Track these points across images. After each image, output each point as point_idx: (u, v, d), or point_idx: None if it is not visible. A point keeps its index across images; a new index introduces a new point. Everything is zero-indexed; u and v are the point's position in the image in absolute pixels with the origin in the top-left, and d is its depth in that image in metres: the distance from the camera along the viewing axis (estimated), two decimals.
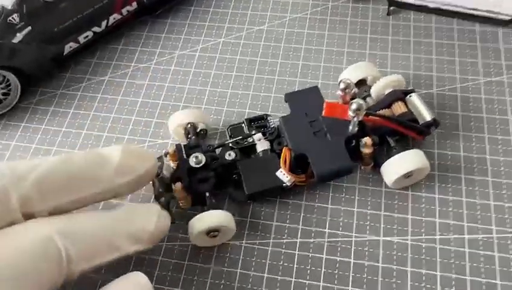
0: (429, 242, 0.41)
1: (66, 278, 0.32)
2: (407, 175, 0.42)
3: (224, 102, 0.52)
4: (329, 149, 0.42)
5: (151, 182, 0.42)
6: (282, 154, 0.42)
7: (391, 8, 0.56)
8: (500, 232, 0.41)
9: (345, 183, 0.45)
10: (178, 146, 0.43)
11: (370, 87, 0.46)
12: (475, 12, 0.53)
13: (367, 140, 0.42)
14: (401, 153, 0.41)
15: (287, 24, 0.58)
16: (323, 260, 0.41)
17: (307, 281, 0.40)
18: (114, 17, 0.55)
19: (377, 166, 0.44)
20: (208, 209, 0.40)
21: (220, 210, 0.40)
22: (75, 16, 0.52)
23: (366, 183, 0.45)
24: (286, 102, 0.46)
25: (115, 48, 0.58)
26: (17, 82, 0.51)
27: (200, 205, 0.42)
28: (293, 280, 0.40)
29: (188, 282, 0.41)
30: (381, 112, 0.44)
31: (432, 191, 0.44)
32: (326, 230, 0.42)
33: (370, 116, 0.42)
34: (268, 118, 0.46)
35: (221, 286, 0.40)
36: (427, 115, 0.43)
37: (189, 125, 0.46)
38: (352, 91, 0.42)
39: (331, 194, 0.45)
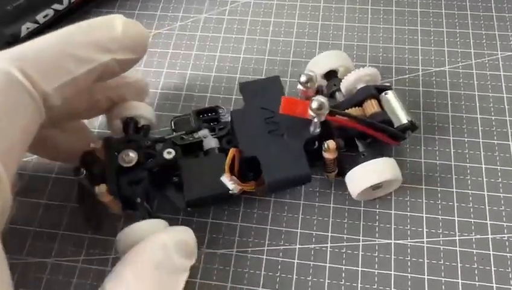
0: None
1: (44, 108, 0.29)
2: (375, 187, 0.36)
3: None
4: (285, 153, 0.35)
5: None
6: (229, 155, 0.35)
7: None
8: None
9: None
10: (107, 140, 0.37)
11: (340, 80, 0.39)
12: None
13: (330, 143, 0.35)
14: (369, 162, 0.35)
15: None
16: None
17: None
18: None
19: (341, 174, 0.38)
20: (140, 219, 0.34)
21: (155, 219, 0.34)
22: None
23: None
24: (240, 92, 0.39)
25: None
26: None
27: (131, 210, 0.36)
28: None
29: None
30: (351, 110, 0.37)
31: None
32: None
33: (336, 116, 0.35)
34: (220, 111, 0.40)
35: None
36: (403, 117, 0.37)
37: (128, 120, 0.39)
38: (316, 85, 0.36)
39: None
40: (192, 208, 0.38)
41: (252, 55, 0.47)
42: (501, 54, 0.45)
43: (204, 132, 0.38)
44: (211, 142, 0.38)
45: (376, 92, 0.38)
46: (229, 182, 0.34)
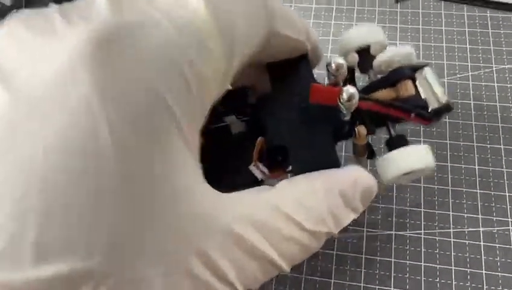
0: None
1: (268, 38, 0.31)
2: (407, 173, 0.35)
3: None
4: (313, 140, 0.34)
5: None
6: (257, 145, 0.34)
7: None
8: None
9: None
10: None
11: (374, 57, 0.38)
12: None
13: (360, 129, 0.34)
14: (405, 148, 0.35)
15: None
16: None
17: None
18: None
19: (371, 157, 0.37)
20: None
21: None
22: None
23: None
24: (268, 73, 0.37)
25: None
26: None
27: None
28: None
29: None
30: (384, 91, 0.36)
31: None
32: None
33: (365, 101, 0.34)
34: (249, 93, 0.38)
35: None
36: (438, 98, 0.36)
37: None
38: (346, 72, 0.34)
39: None
40: None
41: None
42: (495, 67, 0.49)
43: (232, 118, 0.36)
44: (238, 126, 0.36)
45: (411, 72, 0.36)
46: (258, 171, 0.34)
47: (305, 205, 0.30)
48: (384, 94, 0.36)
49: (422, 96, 0.36)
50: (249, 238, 0.27)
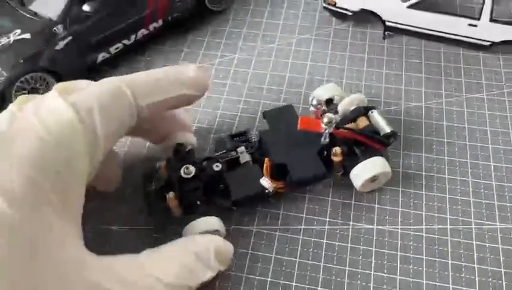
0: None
1: (138, 113, 0.41)
2: (373, 179, 0.48)
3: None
4: (304, 158, 0.47)
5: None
6: (265, 164, 0.47)
7: (386, 32, 0.64)
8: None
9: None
10: (169, 160, 0.47)
11: (336, 105, 0.52)
12: (460, 38, 0.61)
13: (337, 149, 0.48)
14: (367, 160, 0.48)
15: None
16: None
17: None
18: (142, 32, 0.62)
19: (346, 173, 0.49)
20: (198, 215, 0.44)
21: (214, 217, 0.45)
22: (110, 29, 0.59)
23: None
24: (264, 119, 0.52)
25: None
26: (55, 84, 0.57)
27: (190, 213, 0.46)
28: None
29: None
30: (348, 125, 0.50)
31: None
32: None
33: (340, 130, 0.48)
34: (249, 132, 0.52)
35: None
36: (386, 128, 0.50)
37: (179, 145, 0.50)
38: (322, 108, 0.49)
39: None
40: (236, 206, 0.47)
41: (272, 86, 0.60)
42: (465, 95, 0.58)
43: (241, 148, 0.49)
44: (245, 156, 0.49)
45: (365, 111, 0.51)
46: (266, 183, 0.46)
47: (168, 265, 0.38)
48: (350, 126, 0.49)
49: (375, 127, 0.50)
50: None
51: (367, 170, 0.47)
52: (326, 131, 0.46)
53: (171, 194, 0.45)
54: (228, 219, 0.48)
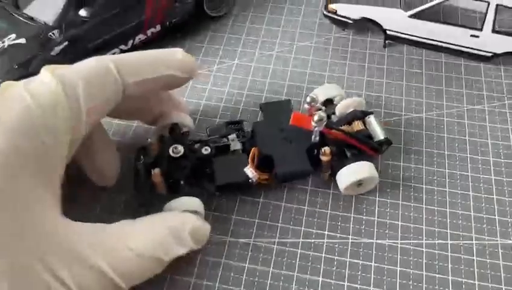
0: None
1: (123, 89, 0.41)
2: (359, 183, 0.47)
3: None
4: (292, 153, 0.47)
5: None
6: (251, 152, 0.46)
7: (387, 41, 0.63)
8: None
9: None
10: (162, 137, 0.48)
11: (335, 106, 0.51)
12: (461, 49, 0.60)
13: (326, 149, 0.47)
14: (353, 164, 0.47)
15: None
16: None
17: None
18: (139, 37, 0.62)
19: (333, 175, 0.48)
20: (182, 195, 0.45)
21: (195, 198, 0.45)
22: (107, 34, 0.58)
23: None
24: (261, 110, 0.52)
25: None
26: None
27: (174, 192, 0.46)
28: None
29: None
30: (342, 127, 0.49)
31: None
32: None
33: (332, 130, 0.47)
34: (244, 123, 0.52)
35: None
36: (380, 135, 0.49)
37: (174, 125, 0.50)
38: (317, 105, 0.48)
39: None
40: (220, 192, 0.47)
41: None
42: (466, 107, 0.57)
43: (233, 136, 0.49)
44: (236, 144, 0.49)
45: (361, 115, 0.50)
46: (250, 172, 0.46)
47: (140, 236, 0.39)
48: (344, 128, 0.48)
49: (369, 132, 0.49)
50: (94, 260, 0.36)
51: (353, 173, 0.47)
52: (316, 129, 0.46)
53: (156, 170, 0.45)
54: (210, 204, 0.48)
